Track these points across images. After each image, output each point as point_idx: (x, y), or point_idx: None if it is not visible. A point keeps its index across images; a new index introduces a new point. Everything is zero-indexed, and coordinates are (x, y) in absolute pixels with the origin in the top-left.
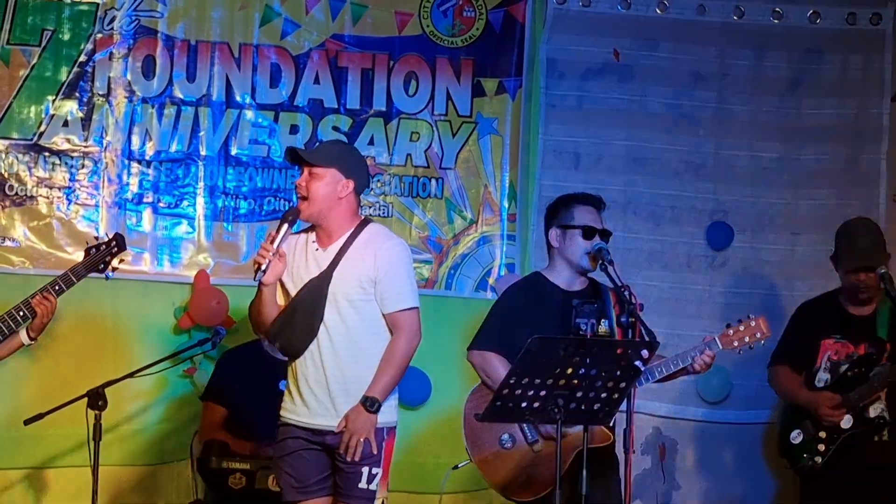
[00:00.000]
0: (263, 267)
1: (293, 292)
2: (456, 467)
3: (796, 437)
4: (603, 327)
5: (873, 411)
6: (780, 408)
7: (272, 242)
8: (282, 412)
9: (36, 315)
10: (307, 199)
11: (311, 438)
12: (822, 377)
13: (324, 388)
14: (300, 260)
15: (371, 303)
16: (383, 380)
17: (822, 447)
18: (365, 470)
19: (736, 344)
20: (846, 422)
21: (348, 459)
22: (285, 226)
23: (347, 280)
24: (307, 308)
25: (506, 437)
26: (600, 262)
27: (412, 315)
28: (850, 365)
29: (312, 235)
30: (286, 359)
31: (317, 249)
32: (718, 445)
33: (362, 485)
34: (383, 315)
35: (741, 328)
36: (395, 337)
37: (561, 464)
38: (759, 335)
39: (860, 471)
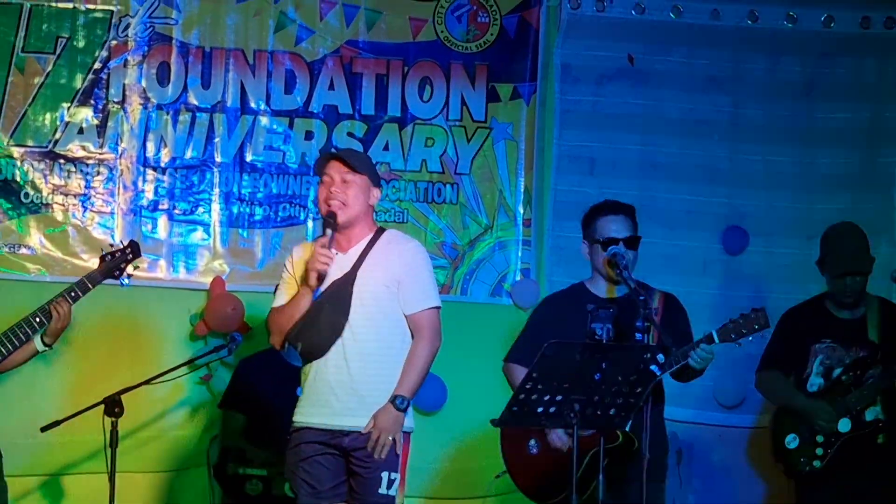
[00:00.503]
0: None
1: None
2: (498, 476)
3: (792, 441)
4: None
5: (870, 414)
6: (772, 412)
7: (325, 248)
8: (297, 417)
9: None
10: (345, 205)
11: (328, 442)
12: (816, 382)
13: (348, 388)
14: None
15: (395, 302)
16: (410, 379)
17: (820, 451)
18: (384, 475)
19: (734, 336)
20: (844, 425)
21: (375, 457)
22: (329, 231)
23: (373, 279)
24: (332, 308)
25: (532, 442)
26: (615, 267)
27: (434, 315)
28: (845, 369)
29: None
30: (300, 365)
31: (336, 254)
32: (735, 449)
33: (382, 490)
34: (405, 316)
35: (740, 320)
36: (417, 339)
37: (576, 466)
38: (757, 326)
39: (857, 474)
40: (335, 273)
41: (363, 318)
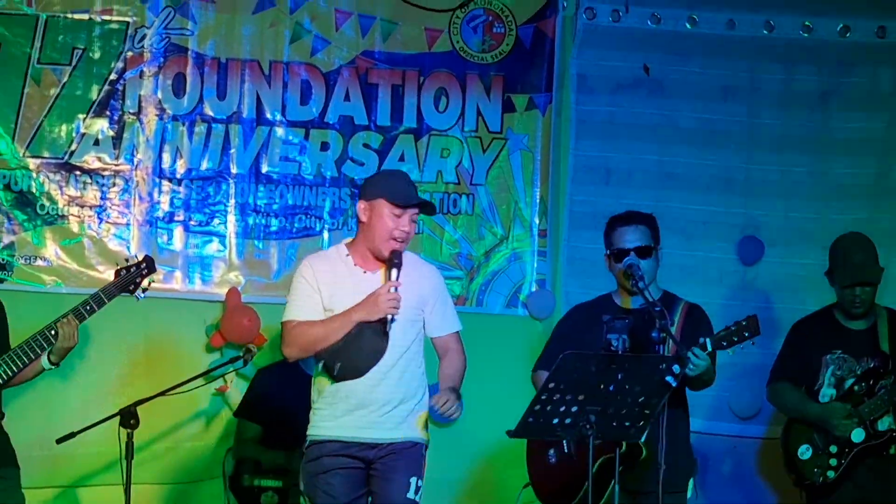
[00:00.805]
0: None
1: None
2: (525, 486)
3: (805, 452)
4: None
5: (882, 424)
6: (783, 423)
7: (393, 290)
8: (317, 431)
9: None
10: (404, 242)
11: (353, 454)
12: (827, 393)
13: (378, 404)
14: (344, 282)
15: (420, 323)
16: (456, 380)
17: (833, 462)
18: (413, 480)
19: (725, 344)
20: (857, 435)
21: (443, 408)
22: (396, 271)
23: (406, 302)
24: (374, 330)
25: (552, 452)
26: (630, 278)
27: (460, 337)
28: (857, 379)
29: (349, 259)
30: (311, 374)
31: (364, 272)
32: (747, 460)
33: (410, 495)
34: (433, 338)
35: (732, 328)
36: (451, 356)
37: (591, 476)
38: (747, 334)
39: (869, 485)
40: (366, 292)
41: (400, 340)
